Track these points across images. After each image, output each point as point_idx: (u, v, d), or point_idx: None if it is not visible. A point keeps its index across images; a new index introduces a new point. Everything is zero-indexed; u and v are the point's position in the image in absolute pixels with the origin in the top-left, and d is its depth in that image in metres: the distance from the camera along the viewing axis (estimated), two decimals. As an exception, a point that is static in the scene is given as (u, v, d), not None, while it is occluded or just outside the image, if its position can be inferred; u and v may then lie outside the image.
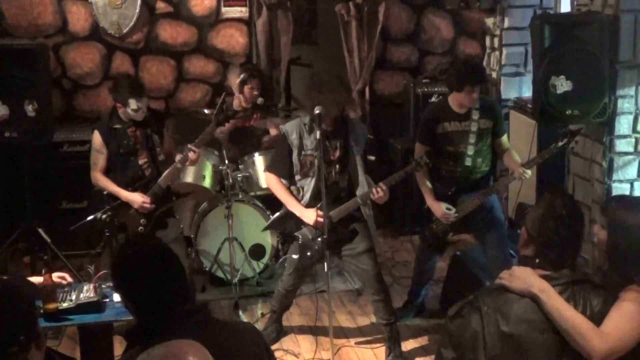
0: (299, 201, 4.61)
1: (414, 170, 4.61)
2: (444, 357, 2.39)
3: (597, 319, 2.32)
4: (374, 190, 4.45)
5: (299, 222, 4.61)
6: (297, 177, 4.64)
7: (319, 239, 4.54)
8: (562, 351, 2.31)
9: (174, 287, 2.44)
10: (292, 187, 4.70)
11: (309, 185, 4.58)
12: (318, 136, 4.28)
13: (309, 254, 4.61)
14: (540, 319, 2.32)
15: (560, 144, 4.70)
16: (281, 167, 4.65)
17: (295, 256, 4.66)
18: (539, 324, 2.31)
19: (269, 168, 4.78)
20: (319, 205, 4.50)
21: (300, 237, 4.62)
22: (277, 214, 4.81)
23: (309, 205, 4.58)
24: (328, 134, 4.47)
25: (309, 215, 4.53)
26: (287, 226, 4.70)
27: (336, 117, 4.53)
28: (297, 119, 4.68)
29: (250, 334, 2.54)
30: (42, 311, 3.58)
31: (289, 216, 4.64)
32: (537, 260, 2.42)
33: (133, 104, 4.87)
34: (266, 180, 4.79)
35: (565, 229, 2.41)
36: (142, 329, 2.41)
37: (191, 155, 5.01)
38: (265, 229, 5.01)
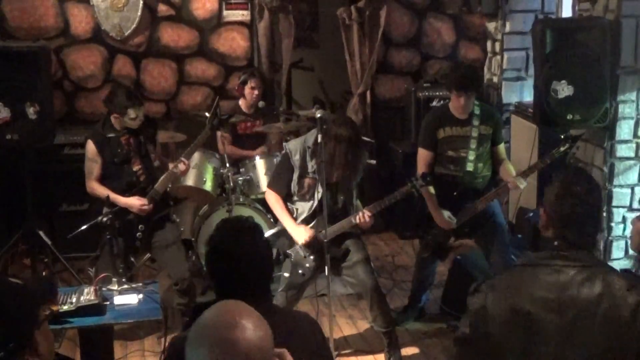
0: (295, 220, 4.61)
1: (409, 193, 4.54)
2: (461, 331, 2.43)
3: (620, 304, 2.27)
4: (359, 215, 4.45)
5: (292, 240, 4.61)
6: (295, 198, 4.63)
7: (311, 257, 4.55)
8: (573, 333, 2.29)
9: (260, 271, 2.50)
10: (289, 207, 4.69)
11: (303, 207, 4.59)
12: (319, 139, 4.28)
13: (300, 271, 4.60)
14: (552, 298, 2.30)
15: (561, 149, 4.70)
16: (282, 185, 4.63)
17: (286, 274, 4.65)
18: (550, 303, 2.30)
19: (269, 185, 4.78)
20: (313, 224, 4.53)
21: (292, 254, 4.62)
22: (271, 230, 4.81)
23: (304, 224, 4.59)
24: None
25: (301, 234, 4.53)
26: (279, 244, 4.69)
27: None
28: (301, 139, 4.65)
29: (306, 323, 2.59)
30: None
31: (283, 233, 4.64)
32: (555, 243, 2.40)
33: (132, 113, 4.84)
34: (266, 196, 4.76)
35: (582, 206, 2.39)
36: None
37: (180, 166, 5.01)
38: None
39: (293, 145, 4.60)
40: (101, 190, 4.89)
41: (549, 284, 2.32)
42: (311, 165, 4.52)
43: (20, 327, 2.12)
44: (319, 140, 4.28)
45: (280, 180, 4.65)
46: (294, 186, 4.58)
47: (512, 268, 2.47)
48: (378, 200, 4.57)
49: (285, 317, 2.59)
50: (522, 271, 2.40)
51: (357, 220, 4.48)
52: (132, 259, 5.09)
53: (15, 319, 2.11)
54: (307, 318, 2.64)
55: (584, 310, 2.29)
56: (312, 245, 4.52)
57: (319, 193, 4.46)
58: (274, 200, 4.66)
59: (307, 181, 4.56)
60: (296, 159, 4.54)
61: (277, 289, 4.77)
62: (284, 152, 4.67)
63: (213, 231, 2.61)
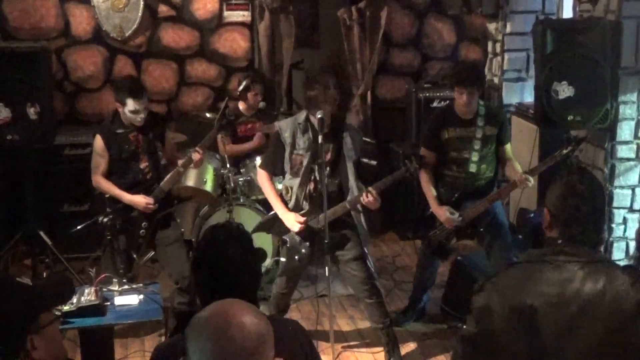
0: (286, 202, 4.61)
1: (403, 176, 4.55)
2: (465, 331, 2.44)
3: (624, 298, 2.29)
4: (363, 194, 4.43)
5: None
6: (288, 177, 4.63)
7: (307, 243, 4.54)
8: (575, 327, 2.30)
9: (246, 281, 2.46)
10: (281, 187, 4.69)
11: (297, 186, 4.58)
12: (320, 140, 4.28)
13: (296, 257, 4.60)
14: (554, 293, 2.32)
15: (564, 151, 4.69)
16: (274, 164, 4.64)
17: (283, 259, 4.66)
18: (552, 298, 2.32)
19: (262, 165, 4.79)
20: (307, 210, 4.51)
21: (288, 240, 4.62)
22: (268, 215, 4.80)
23: (296, 206, 4.58)
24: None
25: (289, 220, 4.54)
26: (275, 228, 4.69)
27: (332, 118, 4.47)
28: (293, 117, 4.68)
29: (295, 329, 2.56)
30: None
31: (278, 218, 4.64)
32: (559, 241, 2.42)
33: (130, 104, 4.76)
34: (258, 176, 4.78)
35: (585, 205, 2.41)
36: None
37: (195, 156, 4.99)
38: (254, 230, 4.97)
39: (284, 124, 4.61)
40: (106, 186, 4.88)
41: (552, 279, 2.33)
42: (302, 141, 4.51)
43: (11, 331, 2.07)
44: (320, 140, 4.28)
45: (272, 159, 4.66)
46: (286, 164, 4.58)
47: (515, 265, 2.47)
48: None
49: (272, 324, 2.56)
50: (525, 268, 2.40)
51: (363, 200, 4.43)
52: (135, 256, 5.09)
53: (6, 323, 2.07)
54: (295, 325, 2.62)
55: (587, 305, 2.30)
56: (304, 232, 4.52)
57: (311, 172, 4.46)
58: (265, 181, 4.68)
59: (298, 158, 4.54)
60: (286, 135, 4.54)
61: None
62: (275, 130, 4.66)
63: (200, 239, 2.59)
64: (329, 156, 4.52)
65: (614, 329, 2.28)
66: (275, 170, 4.66)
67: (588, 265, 2.34)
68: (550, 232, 2.47)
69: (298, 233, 4.54)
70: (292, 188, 4.59)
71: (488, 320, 2.37)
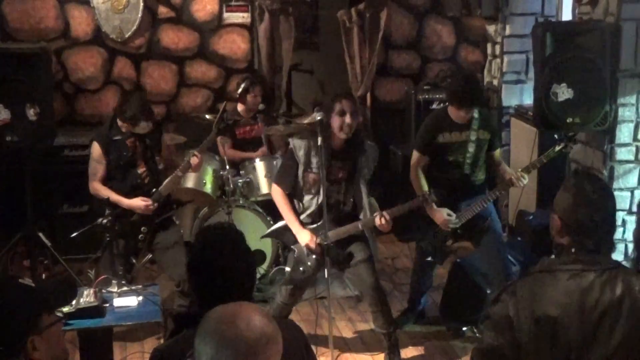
0: (299, 217, 4.62)
1: (420, 205, 4.60)
2: (485, 345, 2.43)
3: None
4: (377, 218, 4.45)
5: None
6: (302, 193, 4.65)
7: (314, 256, 4.55)
8: (594, 337, 2.32)
9: (241, 282, 2.47)
10: (296, 201, 4.71)
11: (310, 202, 4.60)
12: (319, 142, 4.28)
13: (302, 269, 4.61)
14: (575, 302, 2.32)
15: (557, 148, 4.72)
16: (287, 180, 4.65)
17: (288, 268, 4.67)
18: (573, 307, 2.32)
19: (275, 180, 4.79)
20: (317, 224, 4.53)
21: (296, 250, 4.63)
22: (278, 223, 4.81)
23: (309, 222, 4.59)
24: (335, 153, 4.48)
25: (304, 237, 4.54)
26: (285, 237, 4.71)
27: (346, 139, 4.51)
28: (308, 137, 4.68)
29: (292, 329, 2.56)
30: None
31: (289, 228, 4.65)
32: (572, 250, 2.41)
33: (143, 125, 4.88)
34: (272, 192, 4.78)
35: (598, 214, 2.41)
36: (195, 314, 2.42)
37: (193, 160, 5.01)
38: (264, 236, 5.00)
39: (298, 142, 4.60)
40: (104, 192, 4.89)
41: (570, 289, 2.34)
42: (315, 161, 4.53)
43: (12, 332, 2.07)
44: (319, 143, 4.29)
45: (285, 175, 4.67)
46: (299, 181, 4.59)
47: (530, 275, 2.45)
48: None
49: None
50: (542, 277, 2.40)
51: (377, 224, 4.47)
52: (134, 260, 5.09)
53: (6, 324, 2.07)
54: (291, 325, 2.63)
55: (607, 313, 2.32)
56: (315, 249, 4.53)
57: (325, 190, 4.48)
58: (279, 196, 4.67)
59: (311, 176, 4.56)
60: (300, 154, 4.56)
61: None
62: (289, 147, 4.68)
63: (193, 241, 2.59)
64: (342, 174, 4.55)
65: (633, 333, 2.31)
66: (288, 186, 4.66)
67: (605, 273, 2.35)
68: (561, 239, 2.46)
69: (308, 248, 4.55)
70: (304, 204, 4.62)
71: (509, 331, 2.36)
